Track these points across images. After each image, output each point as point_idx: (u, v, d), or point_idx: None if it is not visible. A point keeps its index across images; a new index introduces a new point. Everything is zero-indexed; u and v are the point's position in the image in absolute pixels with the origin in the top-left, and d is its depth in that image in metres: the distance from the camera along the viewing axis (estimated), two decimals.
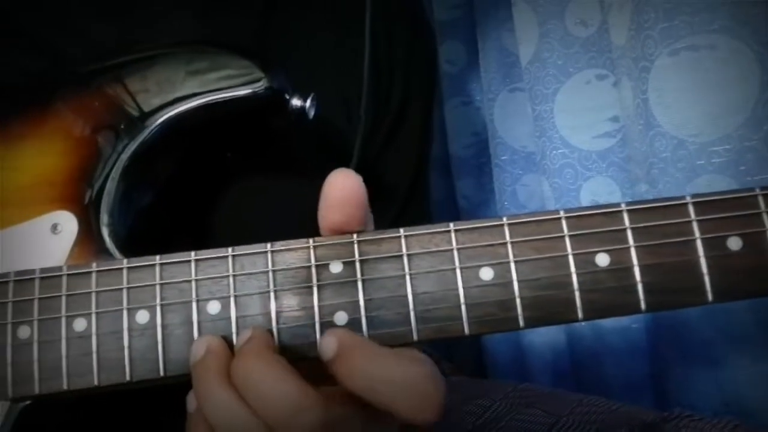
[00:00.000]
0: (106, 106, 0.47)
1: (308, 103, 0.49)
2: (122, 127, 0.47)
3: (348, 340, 0.34)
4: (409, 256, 0.38)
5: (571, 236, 0.37)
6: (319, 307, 0.37)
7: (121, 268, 0.39)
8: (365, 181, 0.37)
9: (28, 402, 0.39)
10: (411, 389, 0.33)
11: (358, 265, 0.38)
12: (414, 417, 0.33)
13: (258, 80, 0.47)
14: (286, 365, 0.34)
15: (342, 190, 0.37)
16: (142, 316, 0.38)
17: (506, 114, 0.92)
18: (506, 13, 0.85)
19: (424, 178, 0.74)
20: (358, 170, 0.37)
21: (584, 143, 0.77)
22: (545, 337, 0.87)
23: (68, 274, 0.39)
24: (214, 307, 0.38)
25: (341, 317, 0.37)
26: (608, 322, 0.76)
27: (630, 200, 0.39)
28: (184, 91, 0.47)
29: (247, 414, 0.34)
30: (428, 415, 0.33)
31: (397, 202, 0.67)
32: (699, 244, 0.36)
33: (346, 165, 0.51)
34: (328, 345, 0.34)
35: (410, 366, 0.34)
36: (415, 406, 0.33)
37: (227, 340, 0.37)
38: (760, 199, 0.37)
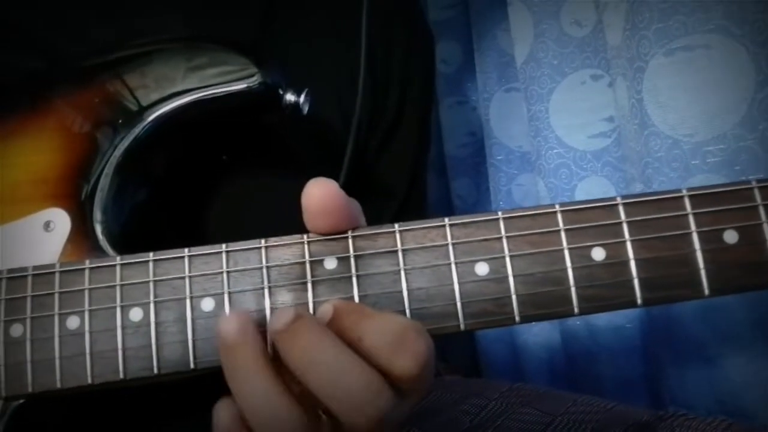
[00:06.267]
0: (104, 102, 0.47)
1: (302, 98, 0.49)
2: (120, 122, 0.46)
3: (342, 305, 0.35)
4: (404, 251, 0.37)
5: (566, 230, 0.37)
6: (314, 303, 0.37)
7: (115, 265, 0.39)
8: (363, 182, 0.37)
9: (21, 401, 0.39)
10: (391, 334, 0.33)
11: (352, 260, 0.38)
12: (392, 362, 0.33)
13: (252, 75, 0.47)
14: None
15: (321, 198, 0.37)
16: (136, 314, 0.38)
17: (502, 114, 0.91)
18: (501, 12, 0.85)
19: (422, 179, 0.74)
20: (353, 168, 0.37)
21: (579, 143, 0.77)
22: (539, 336, 0.87)
23: (61, 271, 0.39)
24: (208, 304, 0.38)
25: None
26: (602, 322, 0.76)
27: None
28: (181, 86, 0.47)
29: (289, 403, 0.33)
30: (408, 362, 0.33)
31: (396, 203, 0.66)
32: (695, 237, 0.36)
33: (341, 162, 0.51)
34: (325, 309, 0.35)
35: (394, 317, 0.35)
36: (396, 351, 0.33)
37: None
38: (756, 192, 0.36)
